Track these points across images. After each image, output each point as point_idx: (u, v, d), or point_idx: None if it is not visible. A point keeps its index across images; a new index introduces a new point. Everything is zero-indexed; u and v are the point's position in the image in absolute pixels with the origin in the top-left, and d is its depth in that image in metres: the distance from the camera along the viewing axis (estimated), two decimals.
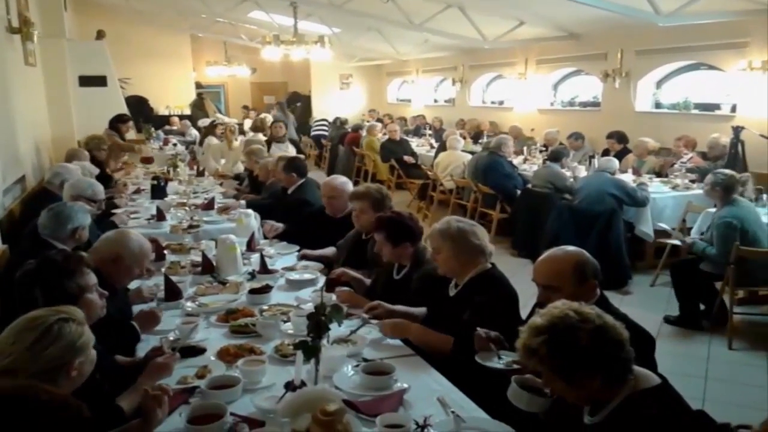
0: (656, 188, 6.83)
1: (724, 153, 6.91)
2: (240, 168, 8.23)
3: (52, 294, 2.27)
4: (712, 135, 7.37)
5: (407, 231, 3.36)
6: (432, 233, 2.98)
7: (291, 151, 8.53)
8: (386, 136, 11.42)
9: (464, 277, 2.90)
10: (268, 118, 11.61)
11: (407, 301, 3.17)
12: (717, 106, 8.43)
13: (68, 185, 4.51)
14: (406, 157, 10.66)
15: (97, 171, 6.15)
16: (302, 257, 4.22)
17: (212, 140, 9.31)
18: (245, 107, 17.58)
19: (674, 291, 5.45)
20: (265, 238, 4.76)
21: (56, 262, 2.39)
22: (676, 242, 5.96)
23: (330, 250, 4.37)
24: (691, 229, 6.05)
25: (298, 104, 17.91)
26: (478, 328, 2.50)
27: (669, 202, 6.62)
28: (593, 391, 1.80)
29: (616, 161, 6.85)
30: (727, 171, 5.35)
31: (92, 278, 2.45)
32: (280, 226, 4.76)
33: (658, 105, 9.50)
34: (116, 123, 9.00)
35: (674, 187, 6.92)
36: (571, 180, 7.25)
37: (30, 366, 1.78)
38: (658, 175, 7.61)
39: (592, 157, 8.10)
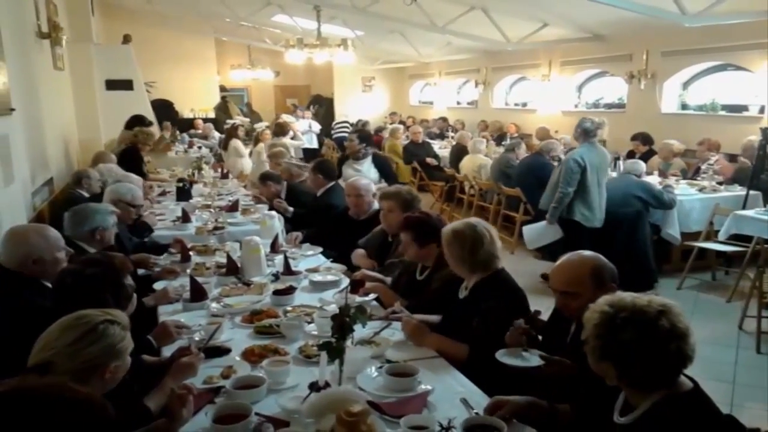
0: (683, 190, 6.75)
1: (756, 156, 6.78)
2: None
3: (119, 295, 2.39)
4: (747, 138, 7.23)
5: (434, 232, 3.35)
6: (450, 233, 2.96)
7: (370, 173, 6.63)
8: (408, 139, 11.41)
9: (472, 279, 2.91)
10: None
11: (426, 300, 3.18)
12: (745, 108, 8.30)
13: (108, 189, 4.60)
14: (428, 160, 10.64)
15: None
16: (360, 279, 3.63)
17: (236, 143, 9.38)
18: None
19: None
20: None
21: (114, 265, 2.47)
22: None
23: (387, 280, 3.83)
24: (718, 231, 5.98)
25: (319, 106, 17.95)
26: (517, 321, 2.49)
27: (696, 205, 6.54)
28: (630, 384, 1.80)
29: (642, 163, 6.77)
30: (595, 119, 6.19)
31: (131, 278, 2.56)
32: (300, 235, 4.74)
33: (684, 106, 9.37)
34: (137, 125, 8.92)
35: (701, 189, 6.84)
36: None
37: (68, 362, 1.81)
38: (683, 177, 7.53)
39: (617, 159, 8.02)
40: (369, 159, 6.82)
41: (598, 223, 5.95)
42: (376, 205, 4.70)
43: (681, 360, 1.75)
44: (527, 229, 6.49)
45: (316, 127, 14.78)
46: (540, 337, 2.59)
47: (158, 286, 3.58)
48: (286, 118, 13.06)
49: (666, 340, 1.73)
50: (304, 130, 13.40)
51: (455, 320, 2.86)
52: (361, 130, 8.57)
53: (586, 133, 5.96)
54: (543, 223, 6.19)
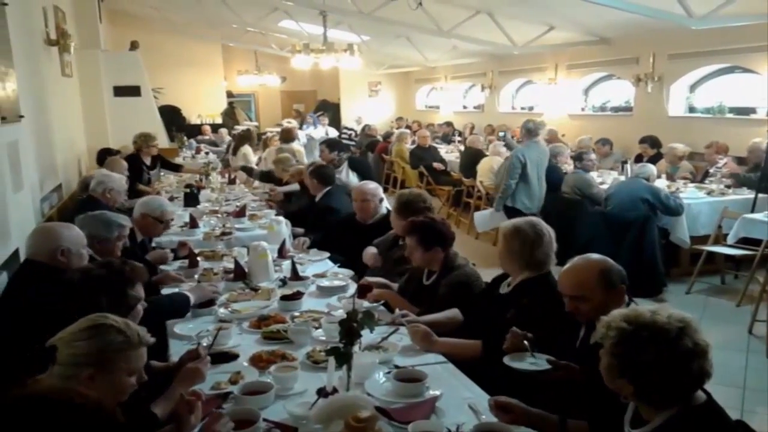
0: (691, 194, 6.71)
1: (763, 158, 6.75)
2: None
3: (116, 302, 2.36)
4: (753, 140, 7.19)
5: (439, 235, 3.35)
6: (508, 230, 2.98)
7: (350, 178, 6.80)
8: (416, 143, 11.39)
9: (519, 277, 2.92)
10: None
11: (436, 307, 3.18)
12: (753, 110, 8.26)
13: (139, 203, 4.56)
14: (435, 164, 10.63)
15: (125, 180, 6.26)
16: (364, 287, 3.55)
17: (247, 149, 9.38)
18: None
19: None
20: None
21: (124, 272, 2.47)
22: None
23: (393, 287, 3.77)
24: (727, 235, 5.95)
25: (325, 111, 17.94)
26: (514, 327, 2.48)
27: (704, 208, 6.51)
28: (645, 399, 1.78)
29: (652, 167, 6.66)
30: (536, 119, 7.38)
31: (142, 291, 2.55)
32: (307, 240, 4.75)
33: (691, 109, 9.34)
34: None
35: (709, 193, 6.81)
36: (602, 187, 7.14)
37: (63, 350, 1.82)
38: (693, 180, 7.49)
39: (624, 162, 7.99)
40: (345, 165, 6.96)
41: (535, 210, 6.93)
42: (383, 209, 4.71)
43: (701, 378, 1.73)
44: (477, 216, 7.51)
45: (333, 134, 14.56)
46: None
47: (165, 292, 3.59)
48: (287, 123, 13.01)
49: (688, 359, 1.70)
50: (320, 138, 12.86)
51: (489, 314, 2.87)
52: (328, 140, 8.56)
53: (529, 132, 7.05)
54: (490, 210, 7.35)
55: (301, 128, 14.31)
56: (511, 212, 6.80)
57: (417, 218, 3.56)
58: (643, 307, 1.85)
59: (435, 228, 3.38)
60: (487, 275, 3.42)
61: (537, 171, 6.94)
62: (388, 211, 4.81)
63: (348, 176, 6.92)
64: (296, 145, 9.40)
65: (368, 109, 17.66)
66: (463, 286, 3.25)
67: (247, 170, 8.05)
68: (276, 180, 7.36)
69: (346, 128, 15.83)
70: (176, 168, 8.61)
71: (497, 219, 7.05)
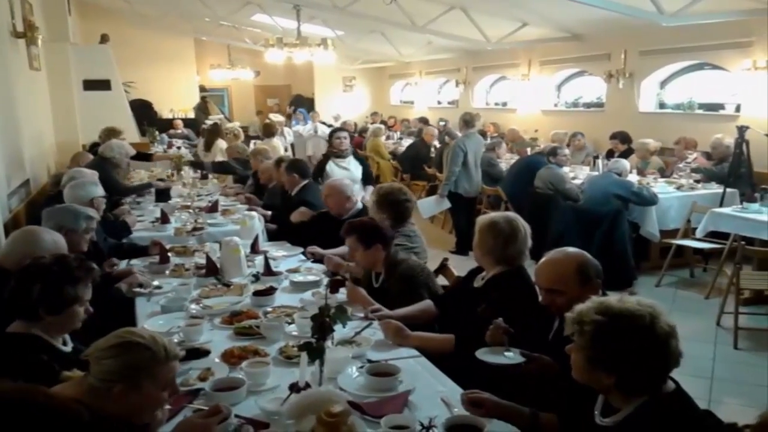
0: (661, 188, 6.81)
1: (727, 153, 6.87)
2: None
3: (48, 293, 2.28)
4: (714, 136, 7.33)
5: (377, 232, 3.40)
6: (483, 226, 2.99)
7: (358, 170, 6.35)
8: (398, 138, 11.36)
9: (492, 271, 2.94)
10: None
11: (391, 307, 3.16)
12: (721, 106, 8.39)
13: (68, 196, 4.40)
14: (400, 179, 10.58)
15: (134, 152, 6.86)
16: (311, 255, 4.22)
17: (222, 143, 9.30)
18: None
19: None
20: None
21: (69, 266, 2.38)
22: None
23: (342, 249, 4.18)
24: (696, 229, 6.04)
25: (299, 106, 17.82)
26: (499, 319, 2.49)
27: (674, 203, 6.61)
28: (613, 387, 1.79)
29: (625, 162, 6.75)
30: (471, 112, 7.85)
31: (89, 292, 2.43)
32: (308, 210, 4.81)
33: (662, 105, 9.46)
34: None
35: (679, 188, 6.91)
36: (575, 182, 7.20)
37: (94, 366, 1.79)
38: (662, 175, 7.61)
39: (596, 158, 8.07)
40: (351, 156, 6.66)
41: (473, 194, 7.71)
42: (359, 204, 4.72)
43: (676, 359, 1.77)
44: (422, 203, 7.64)
45: (323, 130, 14.20)
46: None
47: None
48: (274, 118, 12.85)
49: (667, 340, 1.74)
50: (308, 134, 12.73)
51: (464, 308, 2.88)
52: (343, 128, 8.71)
53: (466, 123, 7.59)
54: (435, 197, 7.76)
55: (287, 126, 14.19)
56: (453, 197, 7.52)
57: (354, 220, 3.64)
58: (606, 297, 1.88)
59: (372, 225, 3.45)
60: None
61: (475, 159, 7.55)
62: (364, 206, 4.82)
63: (357, 168, 6.51)
64: (276, 141, 9.36)
65: (343, 104, 17.60)
66: (408, 279, 3.29)
67: (197, 165, 8.02)
68: (231, 171, 7.74)
69: (324, 124, 15.72)
70: (146, 157, 8.48)
71: (442, 205, 7.73)
